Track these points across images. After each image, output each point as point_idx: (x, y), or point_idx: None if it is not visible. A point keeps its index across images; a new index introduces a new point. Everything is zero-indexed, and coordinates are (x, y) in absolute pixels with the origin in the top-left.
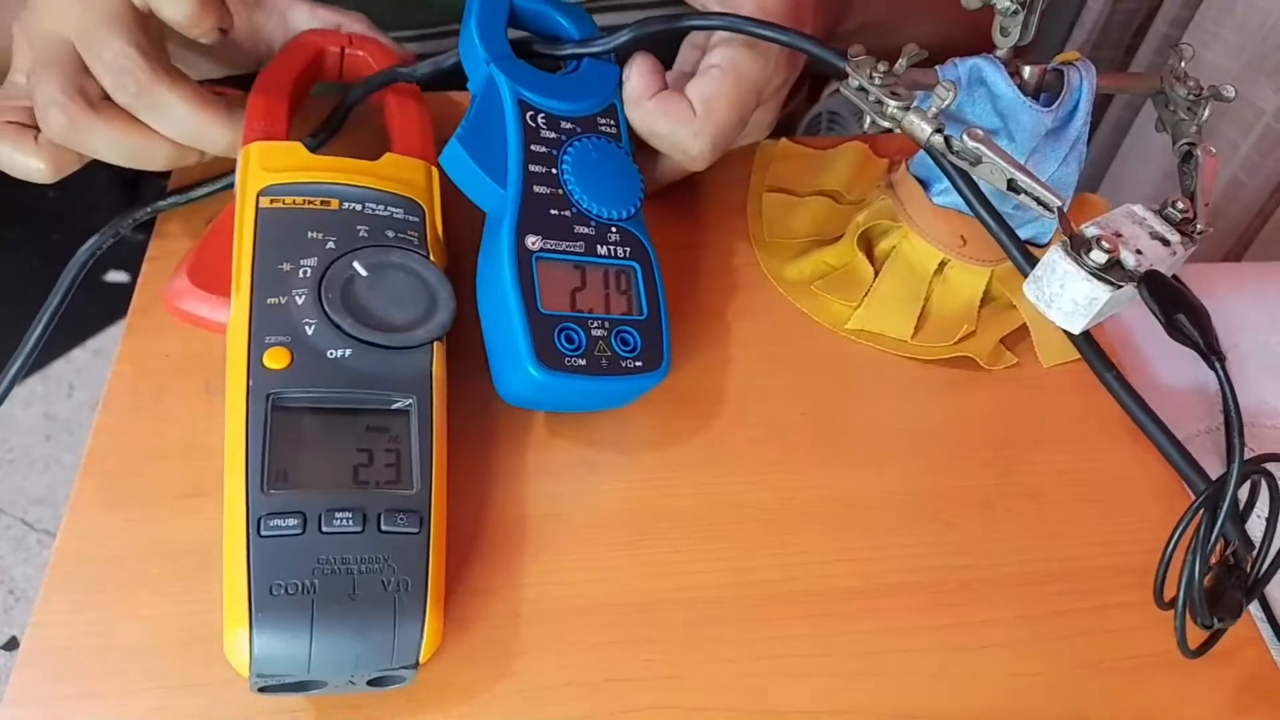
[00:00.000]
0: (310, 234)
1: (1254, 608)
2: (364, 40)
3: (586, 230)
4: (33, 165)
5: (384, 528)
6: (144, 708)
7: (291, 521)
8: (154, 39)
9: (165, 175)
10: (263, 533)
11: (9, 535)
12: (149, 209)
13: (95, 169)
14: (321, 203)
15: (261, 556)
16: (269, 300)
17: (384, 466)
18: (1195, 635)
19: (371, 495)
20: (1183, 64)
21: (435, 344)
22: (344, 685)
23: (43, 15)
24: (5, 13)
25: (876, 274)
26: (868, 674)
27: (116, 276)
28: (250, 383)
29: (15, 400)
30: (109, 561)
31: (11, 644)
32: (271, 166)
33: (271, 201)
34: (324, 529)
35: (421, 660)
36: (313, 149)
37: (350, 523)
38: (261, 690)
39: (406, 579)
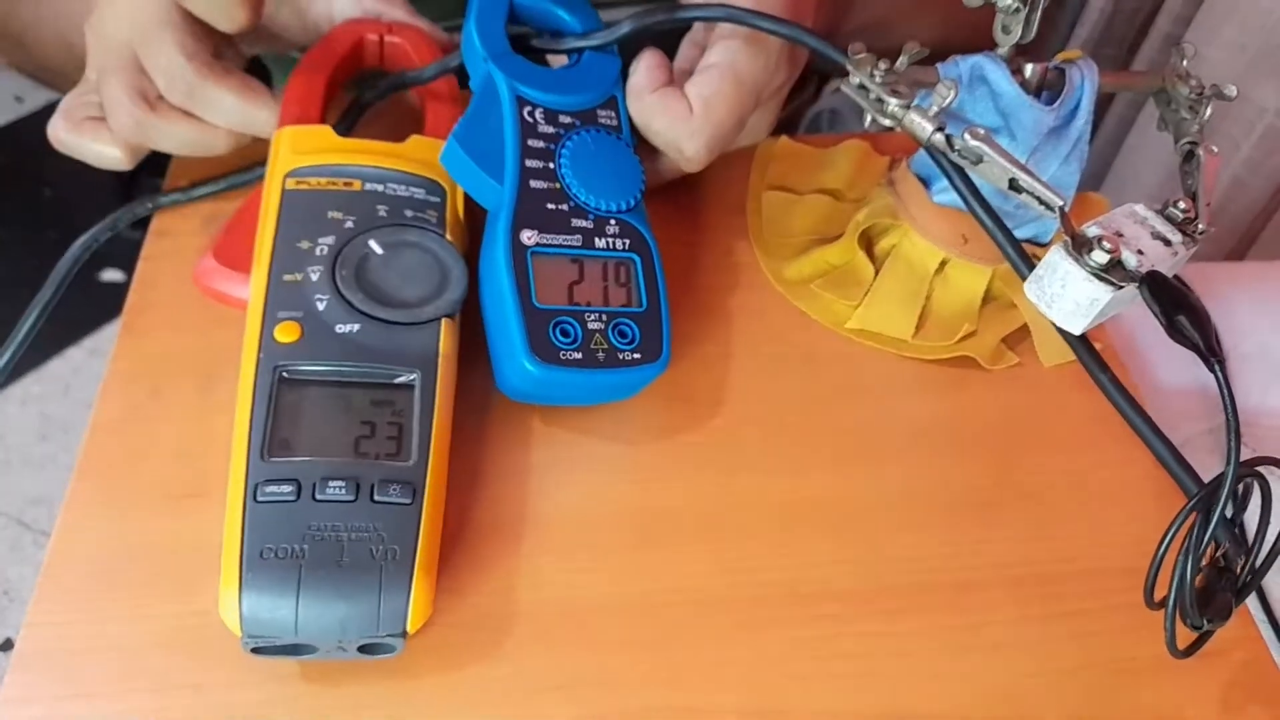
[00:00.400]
0: (330, 214)
1: (1254, 607)
2: (402, 28)
3: (584, 223)
4: (110, 154)
5: (377, 498)
6: (139, 708)
7: (286, 488)
8: (203, 36)
9: (161, 173)
10: (258, 498)
11: (4, 536)
12: (149, 204)
13: (88, 170)
14: (345, 184)
15: (255, 521)
16: (285, 277)
17: (385, 439)
18: (1185, 635)
19: (367, 466)
20: (1184, 63)
21: (444, 321)
22: (335, 651)
23: (106, 20)
24: (79, 14)
25: (877, 273)
26: (867, 675)
27: (112, 275)
28: (260, 355)
29: (11, 399)
30: (104, 561)
31: (6, 645)
32: (300, 149)
33: (297, 183)
34: (317, 497)
35: (410, 630)
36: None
37: (343, 491)
38: (254, 651)
39: (395, 548)
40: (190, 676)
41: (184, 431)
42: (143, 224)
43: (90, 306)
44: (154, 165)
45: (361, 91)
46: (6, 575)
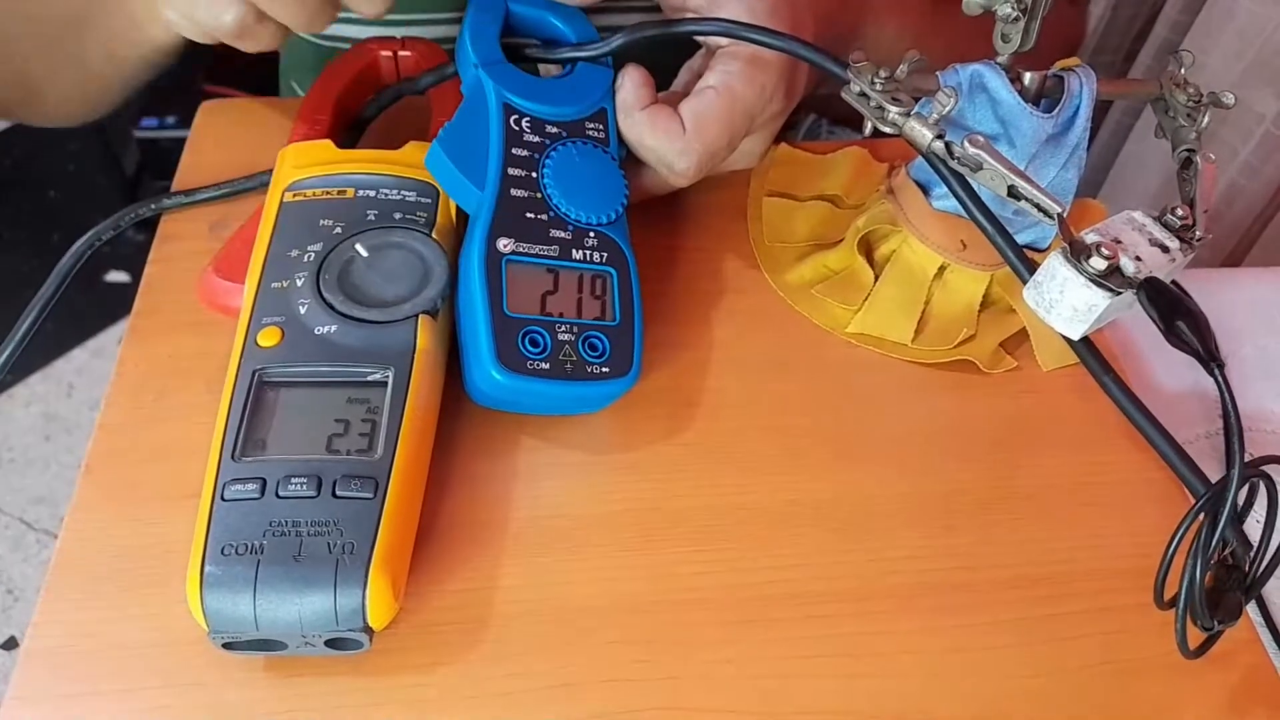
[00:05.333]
0: (322, 222)
1: (1252, 610)
2: (415, 43)
3: (563, 234)
4: None
5: (338, 493)
6: (144, 707)
7: (251, 487)
8: None
9: (165, 176)
10: (225, 497)
11: (8, 535)
12: (151, 205)
13: (92, 172)
14: (339, 192)
15: (220, 519)
16: (273, 285)
17: (358, 436)
18: (1193, 636)
19: (333, 462)
20: (1182, 70)
21: (422, 318)
22: (302, 646)
23: None
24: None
25: (877, 278)
26: (867, 676)
27: (117, 277)
28: (241, 360)
29: (15, 400)
30: (110, 561)
31: (10, 643)
32: (300, 164)
33: (294, 196)
34: (280, 494)
35: (374, 626)
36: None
37: (305, 487)
38: (225, 647)
39: (352, 542)
40: (196, 675)
41: (190, 433)
42: (147, 226)
43: (95, 307)
44: (157, 167)
45: (364, 106)
46: (10, 574)
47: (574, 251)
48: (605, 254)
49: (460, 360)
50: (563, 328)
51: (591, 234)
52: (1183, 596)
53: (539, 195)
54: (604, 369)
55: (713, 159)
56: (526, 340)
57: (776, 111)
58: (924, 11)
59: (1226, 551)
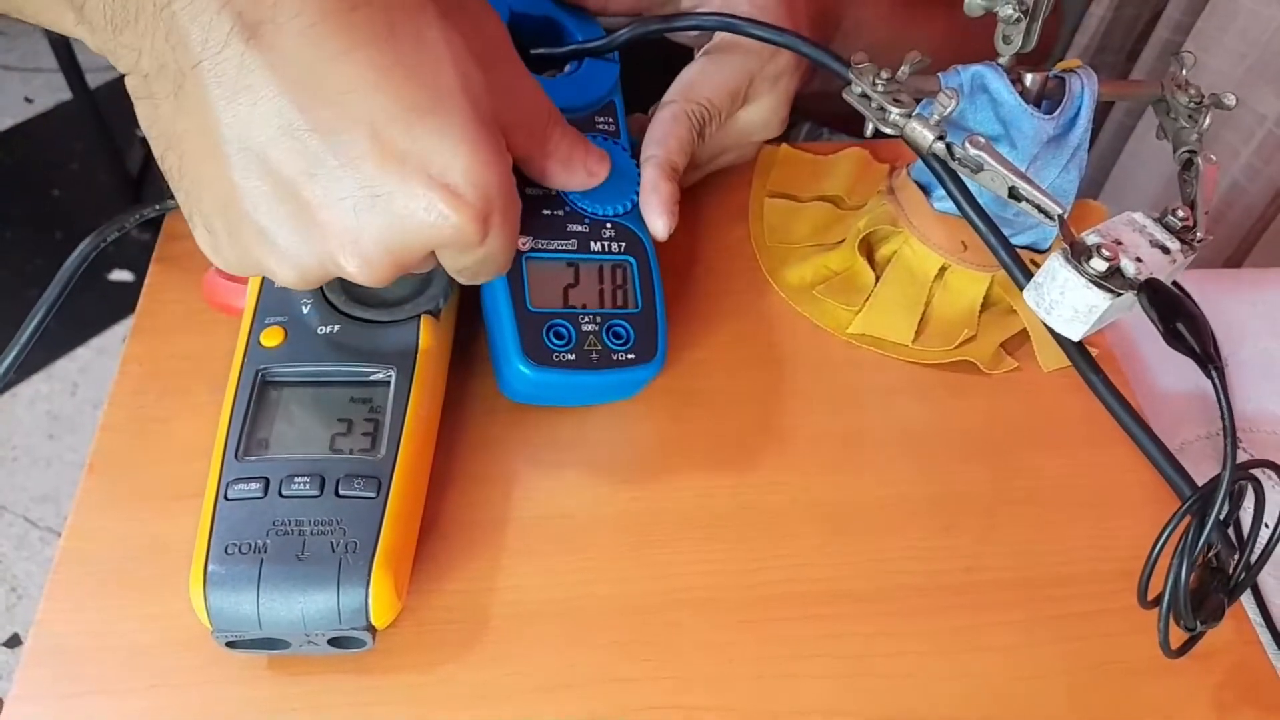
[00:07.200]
0: None
1: (1252, 611)
2: None
3: (580, 228)
4: None
5: (341, 492)
6: (147, 705)
7: (254, 486)
8: None
9: None
10: (229, 496)
11: (11, 533)
12: (156, 206)
13: (94, 171)
14: None
15: (223, 518)
16: (276, 284)
17: (361, 435)
18: (1177, 636)
19: (337, 461)
20: (1184, 71)
21: (425, 318)
22: (305, 645)
23: None
24: None
25: (878, 279)
26: (866, 676)
27: (121, 276)
28: (244, 360)
29: (19, 399)
30: (114, 560)
31: (13, 641)
32: None
33: None
34: (283, 493)
35: (377, 625)
36: None
37: (308, 487)
38: (229, 645)
39: (355, 541)
40: (200, 673)
41: (194, 432)
42: (152, 225)
43: (98, 306)
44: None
45: None
46: (14, 572)
47: (592, 243)
48: (623, 243)
49: (465, 360)
50: (586, 318)
51: (608, 225)
52: (1166, 597)
53: (553, 191)
54: (629, 355)
55: (707, 114)
56: (551, 333)
57: (781, 70)
58: None
59: (1211, 554)
